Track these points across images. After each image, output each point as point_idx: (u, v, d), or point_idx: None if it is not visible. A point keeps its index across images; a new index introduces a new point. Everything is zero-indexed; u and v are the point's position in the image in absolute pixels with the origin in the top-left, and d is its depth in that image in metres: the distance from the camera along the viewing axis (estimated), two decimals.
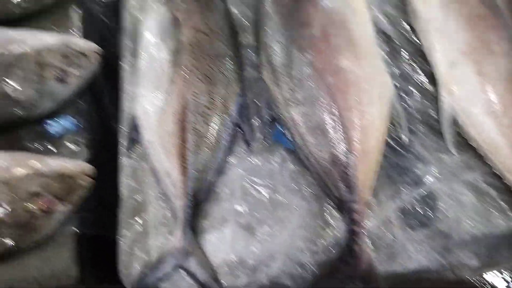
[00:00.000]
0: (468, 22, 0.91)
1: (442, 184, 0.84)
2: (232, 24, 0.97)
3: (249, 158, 0.88)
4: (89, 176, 0.87)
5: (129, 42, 0.99)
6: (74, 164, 0.88)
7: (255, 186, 0.86)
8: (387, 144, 0.87)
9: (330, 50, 0.87)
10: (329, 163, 0.81)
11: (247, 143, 0.89)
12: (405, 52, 0.97)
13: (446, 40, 0.92)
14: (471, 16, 0.91)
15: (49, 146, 0.92)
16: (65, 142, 0.93)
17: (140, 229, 0.85)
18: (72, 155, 0.92)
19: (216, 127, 0.87)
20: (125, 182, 0.89)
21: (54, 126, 0.93)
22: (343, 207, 0.80)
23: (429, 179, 0.85)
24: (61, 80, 0.90)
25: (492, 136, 0.85)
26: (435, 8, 0.94)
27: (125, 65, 0.98)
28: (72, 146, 0.93)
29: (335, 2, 0.90)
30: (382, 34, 0.98)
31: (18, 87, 0.88)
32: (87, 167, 0.88)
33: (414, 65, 0.96)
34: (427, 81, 0.94)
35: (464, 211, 0.83)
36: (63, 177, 0.85)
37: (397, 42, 0.97)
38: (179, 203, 0.83)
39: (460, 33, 0.90)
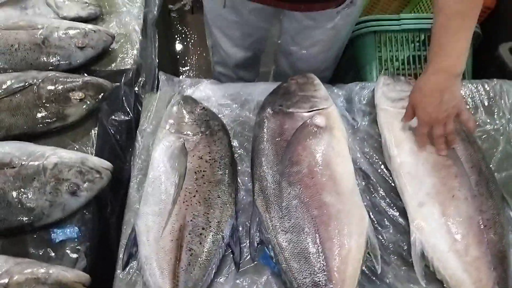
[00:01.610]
0: (434, 169, 1.05)
1: None
2: (232, 154, 1.11)
3: (236, 280, 0.95)
4: (84, 285, 0.92)
5: (139, 162, 1.12)
6: (72, 273, 0.92)
7: None
8: (363, 273, 0.95)
9: (315, 186, 0.99)
10: None
11: (236, 264, 0.96)
12: (381, 189, 1.10)
13: (416, 182, 1.05)
14: (437, 164, 1.06)
15: (51, 253, 0.98)
16: (66, 249, 0.99)
17: None
18: (71, 263, 0.98)
19: (209, 247, 0.95)
20: None
21: (58, 234, 1.00)
22: None
23: None
24: (73, 193, 0.99)
25: (456, 272, 0.94)
26: (407, 154, 1.09)
27: (133, 182, 1.09)
28: (72, 254, 0.99)
29: (321, 145, 1.05)
30: (361, 172, 1.12)
31: (33, 198, 0.98)
32: (84, 276, 0.93)
33: (389, 201, 1.08)
34: (400, 216, 1.05)
35: None
36: (60, 285, 0.90)
37: (374, 180, 1.11)
38: None
39: (427, 177, 1.04)
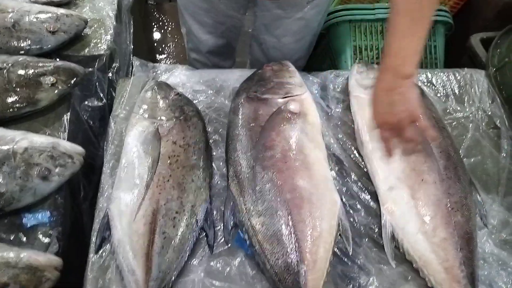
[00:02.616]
0: (404, 154, 1.07)
1: None
2: (206, 139, 1.11)
3: (210, 262, 0.96)
4: (56, 269, 0.92)
5: (112, 147, 1.11)
6: (43, 257, 0.91)
7: None
8: (335, 254, 0.97)
9: (288, 170, 1.00)
10: (283, 270, 0.90)
11: (210, 247, 0.97)
12: (353, 174, 1.12)
13: (386, 167, 1.07)
14: (407, 150, 1.08)
15: (22, 238, 0.97)
16: (38, 234, 0.98)
17: None
18: (43, 247, 0.97)
19: (183, 231, 0.95)
20: (91, 278, 0.94)
21: (30, 219, 0.99)
22: None
23: None
24: (44, 178, 0.97)
25: (424, 253, 0.97)
26: (378, 140, 1.09)
27: (106, 167, 1.08)
28: (43, 239, 0.98)
29: (294, 131, 1.06)
30: (335, 157, 1.14)
31: (3, 182, 0.96)
32: (56, 260, 0.92)
33: (361, 185, 1.10)
34: (371, 199, 1.08)
35: None
36: (31, 269, 0.89)
37: (347, 165, 1.13)
38: None
39: (398, 162, 1.07)
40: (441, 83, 1.33)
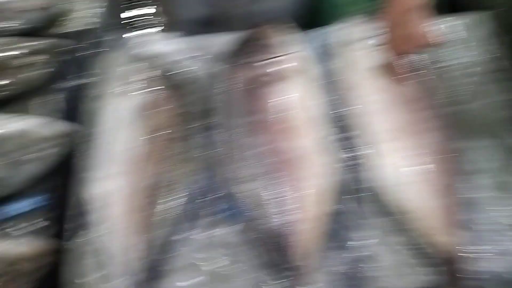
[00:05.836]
0: (399, 104, 1.05)
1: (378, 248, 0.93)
2: (192, 109, 1.07)
3: (208, 232, 0.95)
4: (46, 256, 0.91)
5: (95, 126, 1.07)
6: (34, 243, 0.91)
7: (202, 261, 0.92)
8: (331, 213, 0.95)
9: (276, 133, 0.98)
10: (279, 232, 0.89)
11: (206, 218, 0.95)
12: (347, 130, 1.07)
13: (381, 118, 1.04)
14: (401, 99, 1.06)
15: (12, 225, 0.96)
16: (24, 222, 0.96)
17: None
18: (30, 235, 0.95)
19: (176, 204, 0.93)
20: (73, 262, 0.92)
21: (13, 208, 0.97)
22: (289, 274, 0.87)
23: (367, 243, 0.94)
24: (23, 164, 0.95)
25: (416, 202, 0.95)
26: (371, 92, 1.08)
27: (88, 147, 1.04)
28: (30, 227, 0.96)
29: (283, 92, 1.03)
30: (326, 116, 1.09)
31: None
32: (45, 247, 0.91)
33: (356, 140, 1.06)
34: (364, 155, 1.04)
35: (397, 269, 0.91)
36: (22, 257, 0.88)
37: (340, 122, 1.08)
38: (127, 281, 0.87)
39: (393, 113, 1.04)
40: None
